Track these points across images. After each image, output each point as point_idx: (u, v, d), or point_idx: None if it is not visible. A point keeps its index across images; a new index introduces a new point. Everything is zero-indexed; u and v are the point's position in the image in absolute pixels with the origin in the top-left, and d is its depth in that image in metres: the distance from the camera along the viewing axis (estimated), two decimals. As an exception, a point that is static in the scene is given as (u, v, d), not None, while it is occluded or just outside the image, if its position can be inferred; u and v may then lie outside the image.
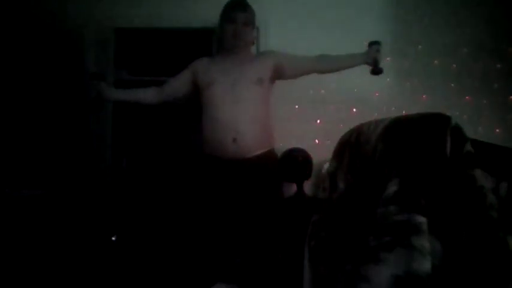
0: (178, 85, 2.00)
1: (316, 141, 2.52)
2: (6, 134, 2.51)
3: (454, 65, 2.57)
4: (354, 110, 2.54)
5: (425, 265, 0.85)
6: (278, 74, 1.95)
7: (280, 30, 2.55)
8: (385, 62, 1.98)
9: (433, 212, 0.90)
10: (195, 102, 2.00)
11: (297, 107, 2.56)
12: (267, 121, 1.91)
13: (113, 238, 2.42)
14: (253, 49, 2.25)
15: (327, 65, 1.96)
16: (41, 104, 2.58)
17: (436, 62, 2.58)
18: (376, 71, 1.88)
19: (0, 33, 2.60)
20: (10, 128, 2.53)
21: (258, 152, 1.83)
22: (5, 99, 2.55)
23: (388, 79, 2.51)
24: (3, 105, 2.54)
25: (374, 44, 1.89)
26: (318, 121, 2.56)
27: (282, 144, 2.24)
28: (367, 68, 1.90)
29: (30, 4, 2.64)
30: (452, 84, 2.56)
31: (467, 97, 2.55)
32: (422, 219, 0.88)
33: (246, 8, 1.92)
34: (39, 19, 2.62)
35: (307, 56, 1.95)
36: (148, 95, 2.01)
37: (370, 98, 2.53)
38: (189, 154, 2.69)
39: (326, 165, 1.84)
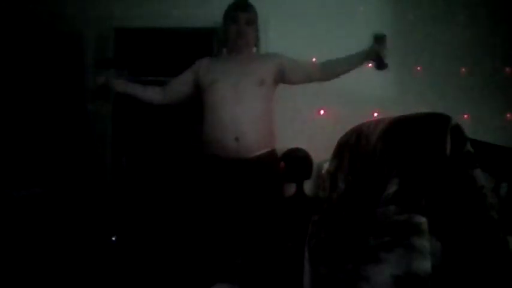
0: (180, 87, 1.99)
1: (316, 140, 2.52)
2: (7, 133, 2.50)
3: (457, 64, 2.57)
4: (354, 108, 2.53)
5: (425, 265, 0.85)
6: (280, 78, 1.94)
7: (280, 30, 2.55)
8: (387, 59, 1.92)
9: (433, 212, 0.90)
10: (196, 102, 2.00)
11: (296, 105, 2.56)
12: (269, 121, 1.90)
13: (113, 238, 2.42)
14: (254, 50, 2.24)
15: (332, 72, 1.92)
16: (41, 103, 2.58)
17: (438, 60, 2.57)
18: (381, 66, 1.80)
19: (0, 33, 2.60)
20: (10, 127, 2.53)
21: (260, 152, 1.82)
22: (5, 98, 2.55)
23: (389, 76, 2.50)
24: (4, 105, 2.54)
25: (379, 38, 1.81)
26: (318, 115, 2.54)
27: (282, 144, 2.24)
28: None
29: (29, 4, 2.64)
30: (455, 82, 2.56)
31: (470, 96, 2.55)
32: (422, 219, 0.88)
33: (248, 8, 1.93)
34: (39, 19, 2.62)
35: (312, 63, 1.92)
36: (154, 94, 1.99)
37: (370, 97, 2.53)
38: (190, 153, 2.68)
39: (326, 165, 1.84)
